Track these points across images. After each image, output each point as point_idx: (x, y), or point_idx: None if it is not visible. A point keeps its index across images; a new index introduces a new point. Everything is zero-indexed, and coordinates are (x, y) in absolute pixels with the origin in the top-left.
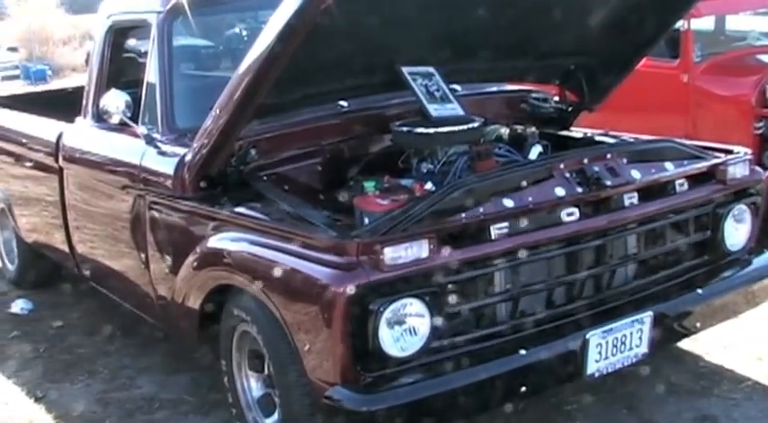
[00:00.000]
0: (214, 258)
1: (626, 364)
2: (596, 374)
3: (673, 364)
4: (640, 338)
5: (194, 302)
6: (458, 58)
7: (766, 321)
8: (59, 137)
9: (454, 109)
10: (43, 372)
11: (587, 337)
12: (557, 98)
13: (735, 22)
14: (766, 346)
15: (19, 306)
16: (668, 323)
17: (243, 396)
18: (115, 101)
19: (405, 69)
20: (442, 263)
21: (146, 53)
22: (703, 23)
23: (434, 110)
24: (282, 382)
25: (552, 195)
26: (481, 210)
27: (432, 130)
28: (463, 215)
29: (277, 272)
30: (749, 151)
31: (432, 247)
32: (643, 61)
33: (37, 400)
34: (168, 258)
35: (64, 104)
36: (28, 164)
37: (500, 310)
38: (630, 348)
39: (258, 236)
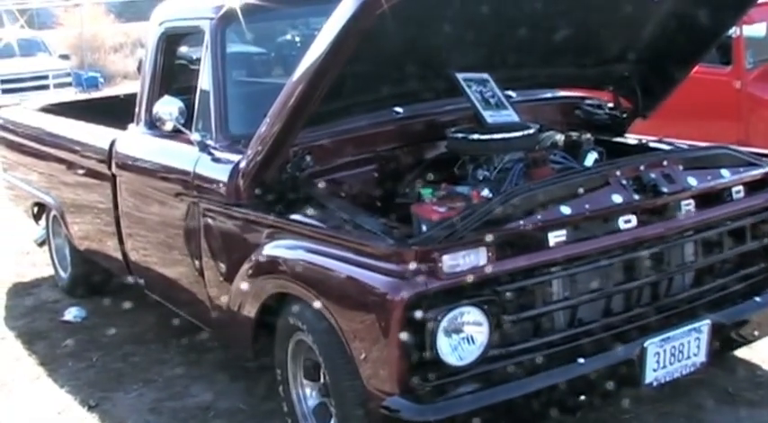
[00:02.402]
0: (269, 266)
1: (684, 373)
2: (654, 383)
3: (730, 373)
4: (698, 347)
5: (249, 311)
6: (512, 65)
7: None
8: (112, 144)
9: (509, 115)
10: (96, 380)
11: (645, 345)
12: (611, 105)
13: None
14: None
15: (72, 314)
16: (726, 331)
17: (298, 405)
18: (168, 108)
19: (459, 76)
20: (500, 270)
21: (198, 60)
22: (755, 30)
23: (489, 116)
24: (338, 392)
25: (609, 202)
26: (538, 217)
27: (487, 137)
28: (521, 222)
29: (333, 280)
30: None
31: (489, 254)
32: (695, 68)
33: (90, 409)
34: (223, 266)
35: (116, 111)
36: (80, 171)
37: (558, 318)
38: (688, 357)
39: (314, 244)
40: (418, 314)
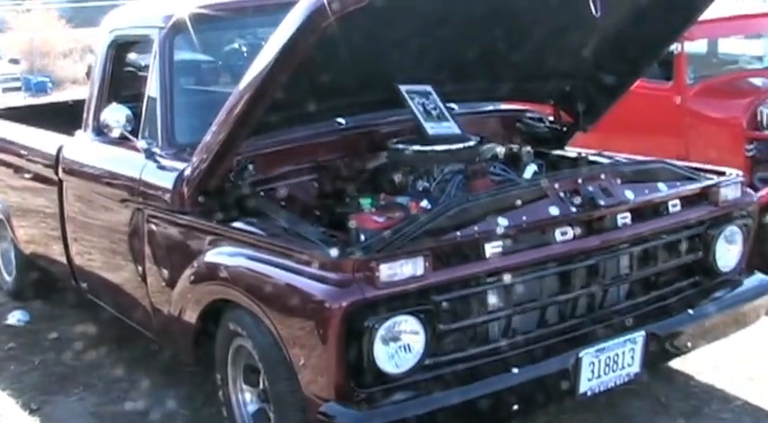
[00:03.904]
0: (211, 273)
1: (618, 383)
2: (588, 393)
3: (664, 384)
4: (632, 358)
5: (191, 316)
6: (455, 78)
7: (756, 342)
8: (59, 149)
9: (450, 127)
10: (38, 384)
11: (580, 355)
12: (551, 118)
13: (727, 46)
14: (757, 365)
15: (15, 317)
16: (660, 343)
17: (237, 410)
18: (116, 115)
19: (402, 88)
20: (437, 281)
21: (147, 68)
22: (696, 47)
23: (431, 128)
24: (277, 397)
25: (546, 215)
26: (476, 228)
27: (428, 148)
28: (458, 233)
29: (273, 287)
30: (741, 173)
31: (427, 264)
32: (637, 83)
33: (31, 412)
34: (165, 272)
35: (64, 117)
36: (27, 175)
37: (493, 328)
38: (623, 367)
39: (255, 251)
40: (356, 322)
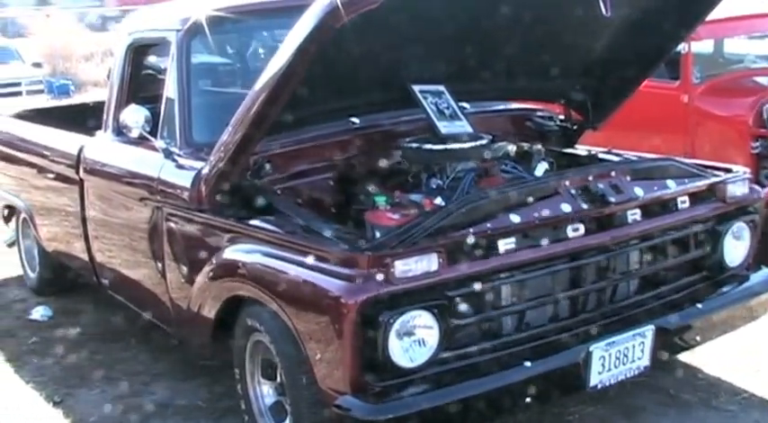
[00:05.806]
0: (229, 269)
1: (628, 376)
2: (599, 386)
3: (672, 376)
4: (642, 351)
5: (209, 312)
6: (467, 78)
7: (763, 335)
8: (80, 150)
9: (463, 126)
10: (61, 377)
11: (591, 349)
12: (562, 117)
13: (732, 46)
14: (763, 358)
15: (39, 313)
16: (669, 336)
17: (255, 403)
18: (135, 115)
19: (416, 87)
20: (451, 276)
21: (165, 70)
22: (703, 46)
23: (444, 127)
24: (294, 391)
25: (558, 211)
26: (489, 225)
27: (441, 147)
28: (471, 230)
29: (290, 283)
30: (747, 170)
31: (441, 260)
32: (644, 82)
33: (54, 405)
34: (184, 269)
35: (85, 118)
36: (50, 175)
37: (506, 322)
38: (632, 361)
39: (272, 248)
40: (371, 317)
